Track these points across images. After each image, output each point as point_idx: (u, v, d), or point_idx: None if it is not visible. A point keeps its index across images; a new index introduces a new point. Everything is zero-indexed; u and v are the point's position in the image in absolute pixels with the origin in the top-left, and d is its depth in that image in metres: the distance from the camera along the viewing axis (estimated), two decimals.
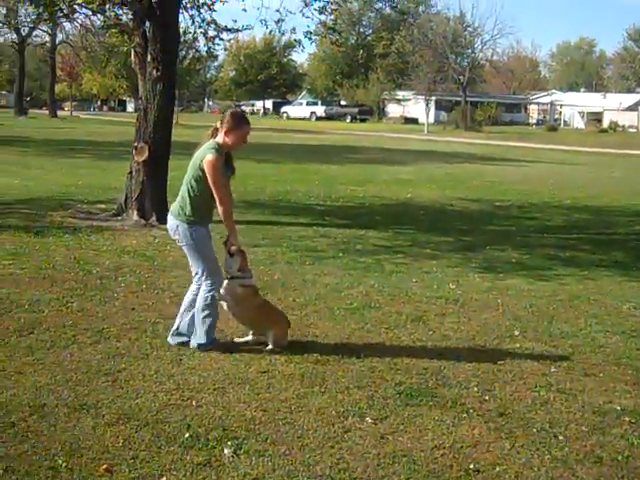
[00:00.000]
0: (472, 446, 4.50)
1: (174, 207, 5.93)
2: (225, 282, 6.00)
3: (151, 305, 7.16)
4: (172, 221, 5.91)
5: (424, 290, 8.29)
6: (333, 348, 6.19)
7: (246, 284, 6.10)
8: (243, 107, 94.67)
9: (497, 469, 4.23)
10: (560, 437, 4.67)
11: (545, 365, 6.01)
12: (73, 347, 5.90)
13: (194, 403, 4.93)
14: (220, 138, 5.80)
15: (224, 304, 6.07)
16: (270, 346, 6.05)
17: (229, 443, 4.36)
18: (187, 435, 4.44)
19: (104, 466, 4.03)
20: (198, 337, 5.97)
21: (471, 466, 4.24)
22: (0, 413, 4.63)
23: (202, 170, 5.69)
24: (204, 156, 5.69)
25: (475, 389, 5.40)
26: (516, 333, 6.82)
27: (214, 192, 5.72)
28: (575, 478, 4.17)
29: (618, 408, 5.15)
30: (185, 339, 6.04)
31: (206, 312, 5.93)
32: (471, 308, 7.65)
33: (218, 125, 5.84)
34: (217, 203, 5.77)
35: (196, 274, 6.02)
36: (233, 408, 4.88)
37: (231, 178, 6.03)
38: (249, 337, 6.24)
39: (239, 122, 5.82)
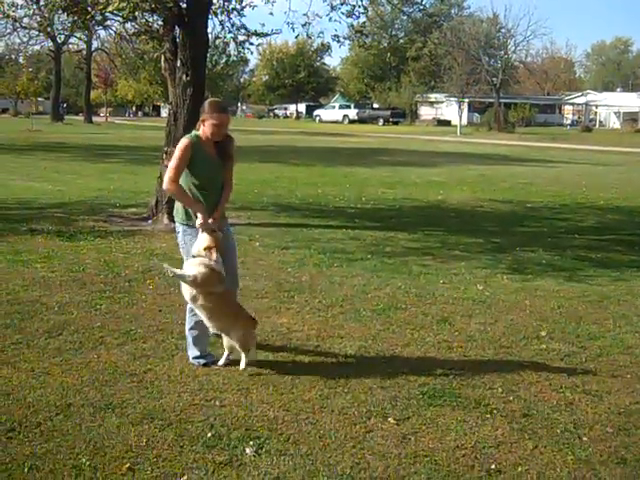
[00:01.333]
0: (494, 446, 4.49)
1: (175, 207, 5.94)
2: (190, 259, 5.62)
3: (178, 307, 7.20)
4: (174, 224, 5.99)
5: (451, 291, 8.26)
6: (358, 349, 6.20)
7: (210, 265, 5.44)
8: (276, 111, 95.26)
9: (519, 469, 4.21)
10: (584, 438, 4.63)
11: (571, 366, 5.96)
12: (100, 348, 5.98)
13: (217, 403, 4.97)
14: (200, 128, 5.78)
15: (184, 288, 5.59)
16: (242, 362, 5.61)
17: (251, 443, 4.39)
18: (209, 435, 4.48)
19: (127, 465, 4.08)
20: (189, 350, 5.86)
21: (492, 466, 4.22)
22: (27, 412, 4.71)
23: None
24: None
25: (499, 390, 5.37)
26: (543, 334, 6.77)
27: (167, 170, 5.70)
28: (598, 479, 4.14)
29: None
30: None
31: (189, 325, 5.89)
32: (498, 309, 7.61)
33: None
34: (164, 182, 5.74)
35: None
36: (256, 408, 4.92)
37: (226, 166, 5.88)
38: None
39: (213, 110, 5.72)
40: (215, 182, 5.81)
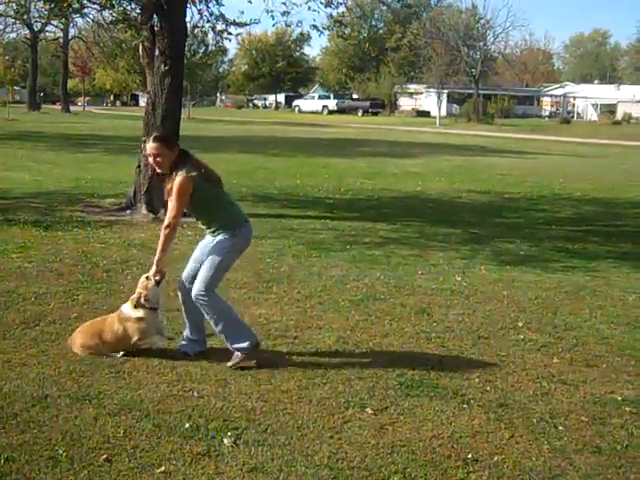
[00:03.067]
0: (471, 436, 4.52)
1: None
2: (150, 314, 5.65)
3: None
4: None
5: (430, 282, 8.29)
6: (336, 339, 6.22)
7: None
8: (255, 101, 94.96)
9: (495, 458, 4.25)
10: (560, 427, 4.68)
11: (548, 356, 6.02)
12: None
13: (195, 394, 4.96)
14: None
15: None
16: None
17: (229, 433, 4.39)
18: (187, 425, 4.48)
19: (104, 456, 4.07)
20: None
21: (469, 456, 4.26)
22: (3, 403, 4.68)
23: None
24: None
25: (477, 380, 5.41)
26: (520, 324, 6.82)
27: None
28: (573, 468, 4.18)
29: (619, 399, 5.15)
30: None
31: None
32: (476, 300, 7.66)
33: None
34: (164, 228, 5.45)
35: None
36: (234, 399, 4.92)
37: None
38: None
39: None
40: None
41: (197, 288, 5.46)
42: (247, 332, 5.65)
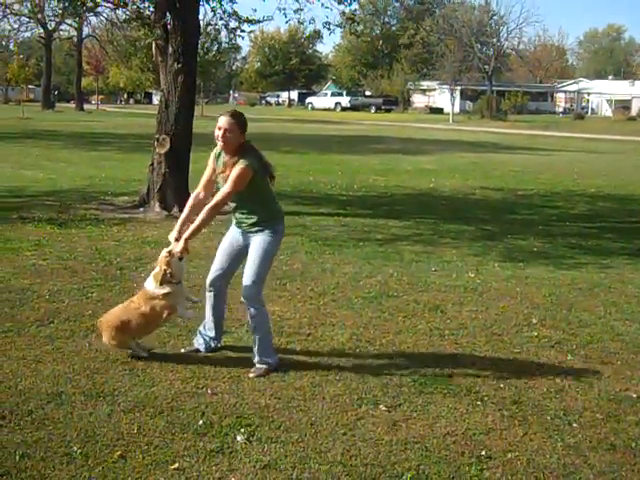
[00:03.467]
0: (485, 433, 4.51)
1: None
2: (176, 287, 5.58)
3: None
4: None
5: (443, 279, 8.28)
6: (350, 336, 6.21)
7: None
8: (268, 98, 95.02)
9: (509, 456, 4.24)
10: (574, 424, 4.66)
11: (562, 353, 6.00)
12: (92, 336, 5.96)
13: (209, 391, 4.98)
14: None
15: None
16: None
17: (242, 430, 4.40)
18: (201, 422, 4.49)
19: (118, 452, 4.09)
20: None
21: (483, 453, 4.25)
22: (18, 400, 4.70)
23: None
24: None
25: (490, 377, 5.39)
26: (534, 321, 6.80)
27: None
28: (587, 465, 4.16)
29: (634, 396, 5.13)
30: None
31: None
32: (490, 297, 7.64)
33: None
34: (210, 205, 5.37)
35: None
36: (247, 396, 4.92)
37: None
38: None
39: None
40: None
41: (249, 288, 5.39)
42: (274, 348, 5.61)
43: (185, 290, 5.81)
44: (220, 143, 5.39)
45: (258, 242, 5.45)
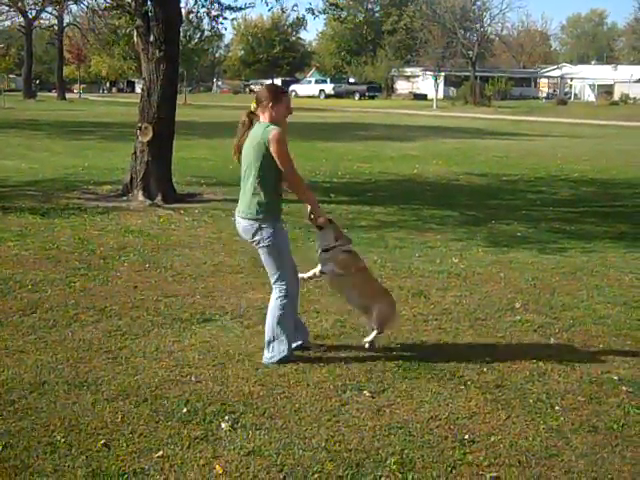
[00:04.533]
0: (468, 417, 4.54)
1: (244, 207, 5.32)
2: (324, 254, 5.60)
3: (153, 283, 7.20)
4: (246, 222, 5.32)
5: (427, 264, 8.30)
6: (334, 323, 6.23)
7: (347, 249, 5.64)
8: (252, 86, 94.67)
9: (492, 439, 4.26)
10: (556, 407, 4.69)
11: (545, 337, 6.04)
12: (75, 326, 5.95)
13: (193, 379, 4.98)
14: (267, 117, 5.25)
15: (327, 278, 5.74)
16: (371, 335, 5.59)
17: (226, 417, 4.41)
18: (185, 410, 4.49)
19: (102, 441, 4.08)
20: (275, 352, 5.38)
21: (466, 437, 4.27)
22: (1, 390, 4.69)
23: (269, 150, 5.15)
24: (266, 135, 5.13)
25: (474, 361, 5.42)
26: (517, 305, 6.83)
27: (284, 166, 5.18)
28: (569, 447, 4.20)
29: (616, 378, 5.17)
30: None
31: (282, 323, 5.36)
32: (473, 282, 7.66)
33: (253, 108, 5.33)
34: (288, 178, 5.27)
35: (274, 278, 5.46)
36: (232, 383, 4.93)
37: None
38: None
39: (280, 95, 5.35)
40: None
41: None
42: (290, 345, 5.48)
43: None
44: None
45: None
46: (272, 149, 5.12)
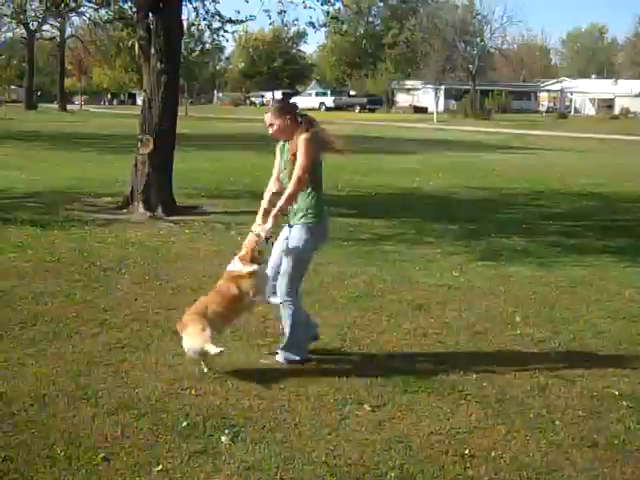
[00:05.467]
0: (468, 432, 4.53)
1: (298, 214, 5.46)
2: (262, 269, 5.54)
3: (154, 296, 7.20)
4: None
5: (427, 278, 8.30)
6: (334, 336, 6.22)
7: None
8: (253, 98, 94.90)
9: (492, 454, 4.25)
10: (557, 422, 4.68)
11: (545, 351, 6.03)
12: (75, 338, 5.95)
13: (193, 392, 4.97)
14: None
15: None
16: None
17: (226, 431, 4.40)
18: (185, 424, 4.48)
19: (102, 454, 4.07)
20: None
21: (466, 451, 4.26)
22: (1, 403, 4.68)
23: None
24: None
25: (474, 375, 5.41)
26: (517, 319, 6.82)
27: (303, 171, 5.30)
28: (570, 462, 4.19)
29: (616, 393, 5.16)
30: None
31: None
32: (473, 295, 7.66)
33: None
34: (293, 181, 5.30)
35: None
36: (232, 397, 4.92)
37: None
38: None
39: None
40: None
41: (278, 283, 5.50)
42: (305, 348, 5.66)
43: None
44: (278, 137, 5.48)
45: (292, 235, 5.47)
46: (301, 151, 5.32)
